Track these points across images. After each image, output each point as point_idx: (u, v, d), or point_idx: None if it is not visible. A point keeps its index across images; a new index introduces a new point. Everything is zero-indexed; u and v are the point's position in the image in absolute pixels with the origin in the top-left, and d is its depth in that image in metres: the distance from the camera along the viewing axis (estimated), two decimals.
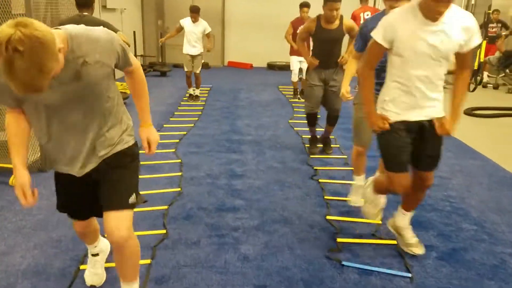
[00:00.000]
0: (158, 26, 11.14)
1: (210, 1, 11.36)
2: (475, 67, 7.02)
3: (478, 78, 7.29)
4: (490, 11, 9.59)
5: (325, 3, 4.25)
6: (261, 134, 5.58)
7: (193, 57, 7.23)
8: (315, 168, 4.35)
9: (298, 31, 6.27)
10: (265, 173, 4.22)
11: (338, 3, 4.22)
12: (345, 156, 4.70)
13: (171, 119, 6.20)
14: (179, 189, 3.78)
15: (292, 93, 7.92)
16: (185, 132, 5.53)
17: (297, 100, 7.60)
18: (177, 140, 5.19)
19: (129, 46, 5.02)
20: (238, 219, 3.27)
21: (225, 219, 3.26)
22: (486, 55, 9.96)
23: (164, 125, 5.85)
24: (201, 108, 6.91)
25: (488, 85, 9.24)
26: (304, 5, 6.96)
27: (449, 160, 4.74)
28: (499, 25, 9.82)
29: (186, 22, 7.12)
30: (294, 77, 7.52)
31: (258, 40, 11.55)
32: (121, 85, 8.58)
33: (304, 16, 6.87)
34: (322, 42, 4.47)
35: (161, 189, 3.78)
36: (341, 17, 4.37)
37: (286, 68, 11.34)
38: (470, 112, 6.85)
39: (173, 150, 4.85)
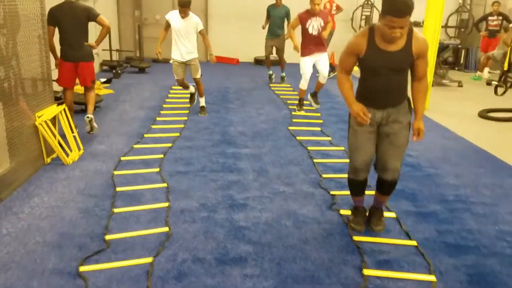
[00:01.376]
0: (135, 18, 10.10)
1: None
2: (505, 68, 6.32)
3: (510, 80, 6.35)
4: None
5: (384, 14, 2.45)
6: (259, 145, 4.75)
7: (187, 64, 5.72)
8: (331, 193, 3.56)
9: (307, 26, 5.67)
10: (271, 201, 3.40)
11: (404, 19, 2.41)
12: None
13: (153, 126, 5.29)
14: (166, 228, 2.94)
15: (298, 103, 6.27)
16: (170, 144, 4.65)
17: (302, 113, 6.14)
18: (161, 156, 4.31)
19: (109, 29, 4.73)
20: (248, 278, 2.44)
21: (230, 279, 2.44)
22: (486, 50, 9.35)
23: (145, 135, 4.95)
24: (187, 112, 6.02)
25: (493, 82, 8.63)
26: None
27: (485, 178, 4.02)
28: (500, 17, 9.20)
29: (173, 17, 5.50)
30: (304, 84, 6.04)
31: (244, 34, 10.64)
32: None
33: (315, 8, 5.63)
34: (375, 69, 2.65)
35: (143, 229, 2.92)
36: (410, 32, 2.59)
37: (274, 63, 10.50)
38: (484, 115, 6.18)
39: (157, 169, 3.97)
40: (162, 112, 5.98)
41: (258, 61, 10.64)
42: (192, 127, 5.34)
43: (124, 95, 6.88)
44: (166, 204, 3.28)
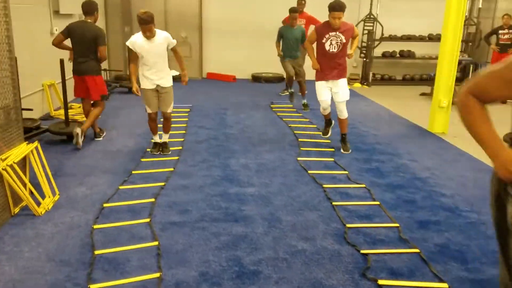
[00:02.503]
0: (125, 34, 9.43)
1: (185, 5, 9.77)
2: None
3: None
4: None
5: None
6: (266, 182, 4.07)
7: (158, 92, 4.60)
8: (362, 252, 2.87)
9: (324, 41, 4.73)
10: (290, 266, 2.70)
11: None
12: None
13: (142, 160, 4.59)
14: None
15: (324, 124, 5.44)
16: (162, 183, 3.95)
17: (328, 135, 5.42)
18: (152, 200, 3.61)
19: (103, 59, 5.07)
20: None
21: None
22: None
23: (134, 171, 4.25)
24: (182, 140, 5.33)
25: (508, 101, 8.06)
26: (337, 8, 4.51)
27: None
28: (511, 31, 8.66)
29: (136, 42, 4.36)
30: (325, 112, 5.20)
31: (240, 49, 10.03)
32: (79, 107, 6.92)
33: (334, 23, 4.57)
34: None
35: None
36: None
37: (272, 80, 9.90)
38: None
39: (147, 220, 3.27)
40: (153, 140, 5.28)
41: (255, 78, 10.01)
42: (188, 159, 4.65)
43: (111, 119, 6.17)
44: (156, 275, 2.57)
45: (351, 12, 9.72)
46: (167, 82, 4.60)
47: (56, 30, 6.67)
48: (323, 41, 4.74)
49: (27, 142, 3.62)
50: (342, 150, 5.00)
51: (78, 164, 4.40)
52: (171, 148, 4.92)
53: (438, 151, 5.16)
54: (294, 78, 7.28)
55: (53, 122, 5.68)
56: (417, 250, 2.88)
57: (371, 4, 9.47)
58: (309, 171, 4.33)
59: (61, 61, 5.07)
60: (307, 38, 5.06)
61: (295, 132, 5.79)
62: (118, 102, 7.37)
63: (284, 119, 6.50)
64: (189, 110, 6.94)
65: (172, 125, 5.75)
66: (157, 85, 4.53)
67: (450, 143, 5.47)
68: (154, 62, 4.42)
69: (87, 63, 4.93)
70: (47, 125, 5.30)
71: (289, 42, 6.99)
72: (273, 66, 10.11)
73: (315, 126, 6.12)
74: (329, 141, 5.38)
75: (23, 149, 3.47)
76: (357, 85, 9.65)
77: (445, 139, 5.65)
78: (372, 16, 9.52)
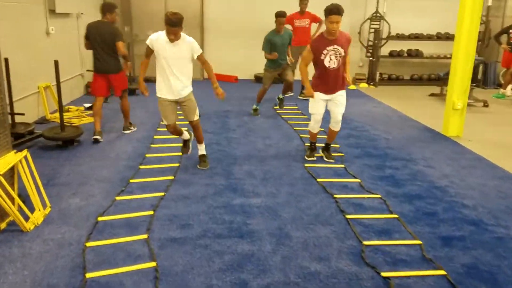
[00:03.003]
0: (124, 34, 9.14)
1: (186, 3, 9.48)
2: None
3: None
4: None
5: None
6: (273, 191, 3.78)
7: (179, 102, 4.14)
8: (383, 275, 2.57)
9: (323, 58, 4.15)
10: None
11: None
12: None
13: (141, 167, 4.30)
14: None
15: (308, 147, 4.74)
16: (162, 194, 3.67)
17: (312, 158, 4.62)
18: (150, 212, 3.32)
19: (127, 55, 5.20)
20: None
21: None
22: (507, 66, 8.48)
23: (131, 180, 3.97)
24: (181, 145, 5.04)
25: None
26: (335, 11, 3.96)
27: None
28: None
29: (158, 41, 3.91)
30: (315, 126, 4.57)
31: (243, 49, 9.74)
32: (77, 109, 6.64)
33: (333, 30, 4.03)
34: None
35: None
36: None
37: (275, 81, 9.55)
38: None
39: (145, 236, 2.98)
40: (152, 145, 4.99)
41: (258, 79, 9.70)
42: (189, 166, 4.36)
43: (110, 123, 5.87)
44: None
45: (357, 10, 9.45)
46: (188, 90, 4.11)
47: (53, 30, 6.40)
48: (322, 57, 4.15)
49: (15, 150, 3.34)
50: (325, 158, 4.60)
51: (73, 172, 4.11)
52: (171, 154, 4.63)
53: (454, 156, 4.86)
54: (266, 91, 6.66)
55: (48, 126, 5.40)
56: (443, 272, 2.59)
57: (377, 2, 9.16)
58: (318, 179, 4.04)
59: (56, 63, 4.80)
60: (302, 59, 4.38)
61: (301, 136, 5.50)
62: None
63: (288, 122, 6.21)
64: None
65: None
66: (179, 98, 4.06)
67: (466, 147, 5.17)
68: (175, 69, 3.93)
69: (108, 62, 5.05)
70: (42, 130, 5.02)
71: (279, 49, 6.24)
72: None
73: (321, 129, 5.82)
74: (337, 145, 5.09)
75: (10, 158, 3.19)
76: (363, 85, 9.35)
77: (460, 143, 5.34)
78: (378, 14, 9.21)
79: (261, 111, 6.90)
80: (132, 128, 5.59)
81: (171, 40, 3.84)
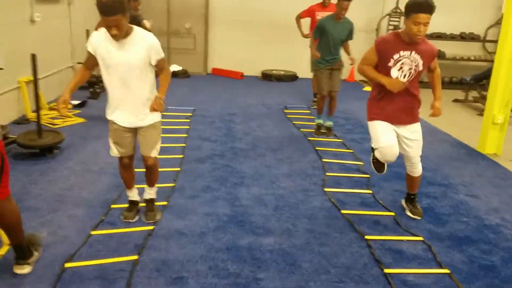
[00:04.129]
0: None
1: None
2: None
3: None
4: None
5: None
6: (289, 228, 2.99)
7: (138, 130, 2.86)
8: None
9: (392, 65, 2.88)
10: None
11: None
12: None
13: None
14: None
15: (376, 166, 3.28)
16: (151, 228, 2.91)
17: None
18: (134, 257, 2.57)
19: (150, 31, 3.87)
20: None
21: None
22: None
23: (113, 205, 3.19)
24: (180, 157, 4.27)
25: None
26: (425, 8, 2.69)
27: None
28: None
29: (100, 40, 2.60)
30: (380, 168, 3.20)
31: (250, 43, 8.92)
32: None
33: (418, 32, 2.72)
34: None
35: None
36: None
37: (284, 78, 8.79)
38: None
39: None
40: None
41: (266, 76, 8.91)
42: (187, 186, 3.60)
43: (98, 126, 5.06)
44: None
45: (374, 5, 8.62)
46: (152, 117, 2.78)
47: (38, 17, 5.59)
48: (389, 64, 2.86)
49: None
50: (410, 214, 3.27)
51: (46, 192, 3.35)
52: (166, 169, 3.87)
53: (498, 181, 4.08)
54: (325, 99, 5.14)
55: (27, 129, 4.63)
56: None
57: None
58: (343, 211, 3.28)
59: (33, 57, 4.02)
60: (362, 61, 3.03)
61: (316, 148, 4.73)
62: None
63: (302, 130, 5.43)
64: (191, 114, 5.87)
65: (171, 135, 4.74)
66: (135, 126, 2.80)
67: (509, 169, 4.40)
68: (129, 81, 2.63)
69: None
70: (19, 132, 4.26)
71: (331, 41, 4.89)
72: (285, 63, 9.05)
73: (340, 140, 5.06)
74: (361, 163, 4.33)
75: None
76: None
77: (500, 163, 4.57)
78: (399, 10, 8.37)
79: (269, 114, 6.13)
80: None
81: (115, 38, 2.48)
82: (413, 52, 2.82)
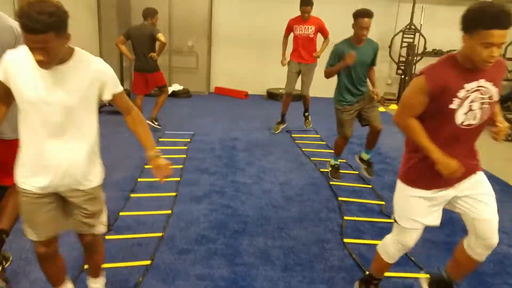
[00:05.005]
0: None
1: (193, 9, 8.11)
2: None
3: None
4: None
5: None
6: None
7: (68, 199, 1.86)
8: None
9: (453, 106, 1.82)
10: None
11: None
12: None
13: (107, 237, 2.91)
14: None
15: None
16: None
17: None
18: None
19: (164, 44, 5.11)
20: None
21: None
22: None
23: (84, 268, 2.57)
24: (174, 196, 3.63)
25: None
26: (503, 20, 1.70)
27: None
28: None
29: (16, 67, 1.67)
30: (397, 254, 2.22)
31: (254, 60, 8.36)
32: None
33: (491, 55, 1.75)
34: None
35: None
36: None
37: (292, 99, 8.15)
38: None
39: None
40: (132, 195, 3.58)
41: (271, 95, 8.32)
42: (178, 236, 2.94)
43: None
44: None
45: (387, 20, 8.04)
46: (91, 180, 1.86)
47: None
48: (452, 106, 1.85)
49: None
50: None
51: None
52: (155, 212, 3.22)
53: None
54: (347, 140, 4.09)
55: None
56: None
57: (412, 12, 7.73)
58: (368, 272, 2.62)
59: None
60: (400, 109, 1.99)
61: (331, 183, 4.08)
62: (102, 128, 5.64)
63: (312, 159, 4.78)
64: (189, 140, 5.26)
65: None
66: (63, 193, 1.84)
67: None
68: (58, 130, 1.72)
69: (145, 61, 5.27)
70: None
71: (353, 73, 3.76)
72: None
73: (356, 172, 4.41)
74: (383, 202, 3.68)
75: None
76: (393, 106, 7.91)
77: None
78: (413, 27, 7.78)
79: (275, 139, 5.50)
80: (154, 124, 5.49)
81: (42, 65, 1.60)
82: (482, 81, 1.86)
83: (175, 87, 8.09)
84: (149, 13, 5.29)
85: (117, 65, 7.24)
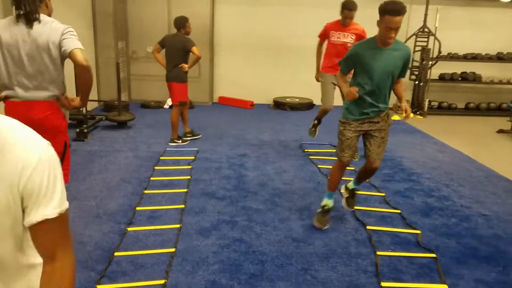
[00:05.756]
0: (117, 50, 7.35)
1: (194, 16, 7.63)
2: None
3: None
4: None
5: None
6: None
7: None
8: None
9: None
10: None
11: None
12: None
13: (100, 287, 2.43)
14: None
15: None
16: None
17: None
18: None
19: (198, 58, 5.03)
20: None
21: None
22: None
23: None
24: (177, 228, 3.13)
25: None
26: None
27: None
28: None
29: None
30: None
31: (259, 68, 7.89)
32: None
33: None
34: None
35: None
36: None
37: (299, 107, 7.71)
38: None
39: None
40: (129, 229, 3.07)
41: (278, 104, 7.83)
42: (182, 284, 2.45)
43: (78, 179, 3.96)
44: None
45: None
46: None
47: None
48: None
49: None
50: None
51: None
52: (155, 251, 2.72)
53: None
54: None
55: None
56: None
57: (425, 15, 7.26)
58: None
59: None
60: None
61: (355, 207, 3.58)
62: (97, 145, 5.16)
63: (329, 177, 4.29)
64: (193, 158, 4.77)
65: (167, 191, 3.60)
66: None
67: None
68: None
69: (174, 71, 5.11)
70: None
71: (374, 80, 2.89)
72: (300, 89, 7.98)
73: (382, 194, 3.90)
74: (418, 231, 3.17)
75: None
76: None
77: None
78: (427, 30, 7.31)
79: (287, 155, 5.00)
80: (178, 141, 5.30)
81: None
82: None
83: None
84: (181, 24, 5.12)
85: (114, 75, 6.78)
